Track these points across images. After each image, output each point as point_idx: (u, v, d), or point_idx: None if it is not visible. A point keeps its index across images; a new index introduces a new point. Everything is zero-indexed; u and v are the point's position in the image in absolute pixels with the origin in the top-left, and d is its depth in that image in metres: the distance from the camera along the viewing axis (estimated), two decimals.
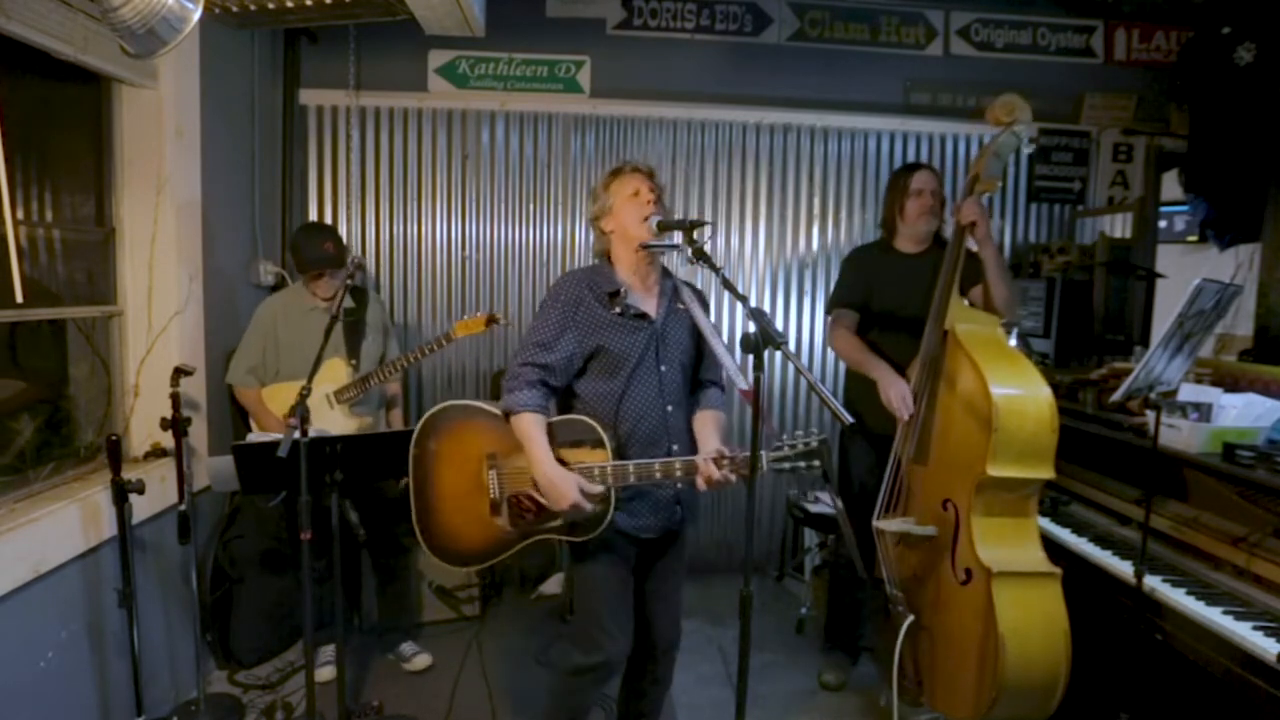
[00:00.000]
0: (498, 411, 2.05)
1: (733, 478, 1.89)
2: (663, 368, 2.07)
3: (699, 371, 2.19)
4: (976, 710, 2.17)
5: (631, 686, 2.34)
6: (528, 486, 2.03)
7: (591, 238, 2.20)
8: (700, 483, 1.90)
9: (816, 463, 1.85)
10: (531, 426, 1.96)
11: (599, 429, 1.97)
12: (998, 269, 2.52)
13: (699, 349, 2.16)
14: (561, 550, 3.71)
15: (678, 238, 2.00)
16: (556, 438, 1.99)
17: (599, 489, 1.93)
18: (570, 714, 2.18)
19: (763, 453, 1.83)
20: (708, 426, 2.11)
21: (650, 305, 2.07)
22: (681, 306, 2.11)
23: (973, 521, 2.20)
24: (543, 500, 1.99)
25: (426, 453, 2.14)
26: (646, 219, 2.00)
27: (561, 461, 1.95)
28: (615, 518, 1.99)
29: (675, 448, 2.06)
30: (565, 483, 1.90)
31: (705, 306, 2.16)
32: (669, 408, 2.07)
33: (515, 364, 2.03)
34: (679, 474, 1.92)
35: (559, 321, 2.01)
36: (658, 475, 1.93)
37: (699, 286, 2.29)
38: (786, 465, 1.83)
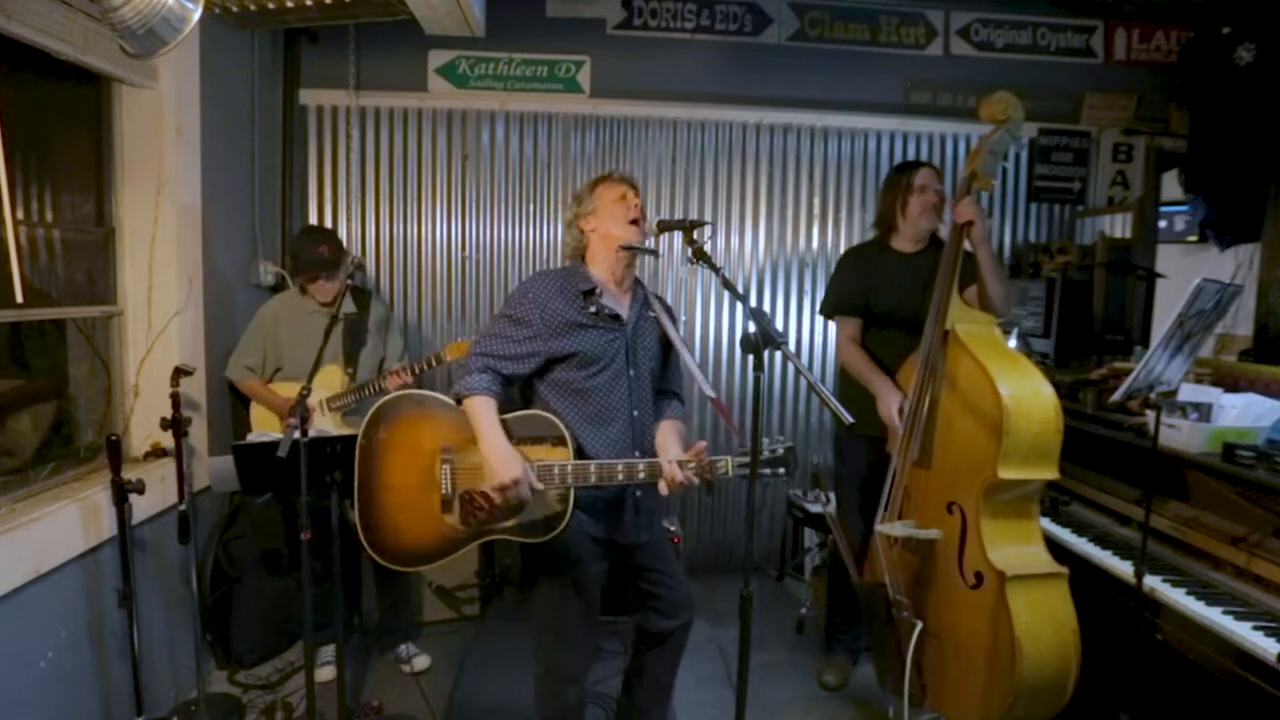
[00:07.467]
0: (454, 403, 2.02)
1: (695, 480, 1.89)
2: (632, 372, 2.08)
3: (661, 380, 2.21)
4: (988, 715, 2.16)
5: (634, 681, 2.31)
6: (482, 483, 1.97)
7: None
8: (663, 486, 1.90)
9: (782, 470, 1.88)
10: (482, 406, 1.95)
11: (560, 425, 1.96)
12: (993, 269, 2.51)
13: (664, 359, 2.20)
14: None
15: (652, 242, 2.08)
16: (515, 433, 1.96)
17: (541, 487, 1.90)
18: (556, 714, 2.15)
19: (729, 459, 1.87)
20: (669, 435, 2.13)
21: (623, 308, 2.09)
22: (652, 314, 2.14)
23: (981, 524, 2.19)
24: (496, 498, 1.95)
25: (374, 442, 2.02)
26: (633, 221, 2.05)
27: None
28: (581, 520, 1.99)
29: (637, 454, 2.06)
30: (513, 458, 1.89)
31: (674, 320, 2.19)
32: (635, 412, 2.08)
33: (471, 354, 2.03)
34: (642, 476, 1.92)
35: (523, 318, 2.01)
36: (620, 477, 1.92)
37: (687, 293, 2.29)
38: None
